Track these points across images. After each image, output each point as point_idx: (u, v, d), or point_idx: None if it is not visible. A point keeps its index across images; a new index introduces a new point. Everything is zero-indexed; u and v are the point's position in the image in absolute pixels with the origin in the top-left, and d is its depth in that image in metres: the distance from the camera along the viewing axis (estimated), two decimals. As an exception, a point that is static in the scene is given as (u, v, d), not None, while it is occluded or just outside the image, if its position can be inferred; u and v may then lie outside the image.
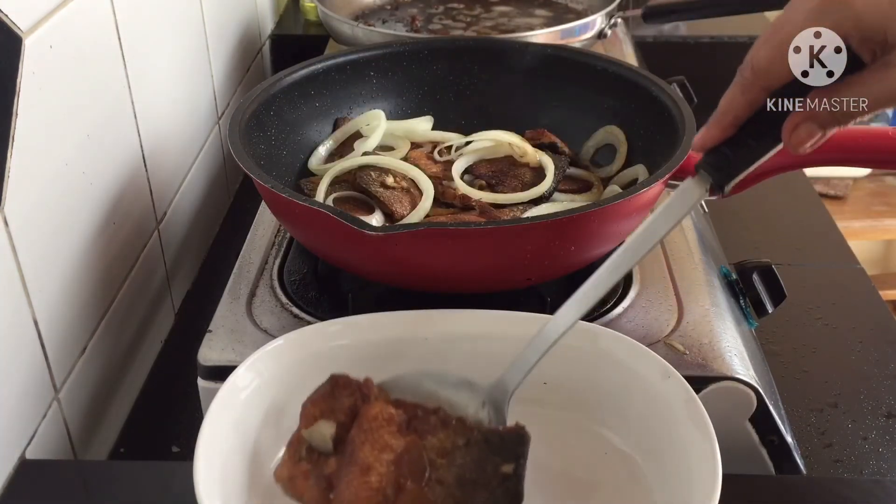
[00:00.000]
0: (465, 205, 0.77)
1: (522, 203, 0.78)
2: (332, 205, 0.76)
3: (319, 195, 0.77)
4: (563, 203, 0.78)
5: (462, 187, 0.78)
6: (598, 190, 0.82)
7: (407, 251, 0.64)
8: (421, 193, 0.77)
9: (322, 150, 0.87)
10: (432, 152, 0.84)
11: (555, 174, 0.79)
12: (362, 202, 0.78)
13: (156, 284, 0.92)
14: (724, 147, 0.54)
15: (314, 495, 0.53)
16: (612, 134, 0.85)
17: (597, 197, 0.80)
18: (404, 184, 0.78)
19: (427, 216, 0.76)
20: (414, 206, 0.76)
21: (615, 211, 0.66)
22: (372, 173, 0.79)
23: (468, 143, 0.84)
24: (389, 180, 0.78)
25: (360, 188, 0.78)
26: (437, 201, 0.78)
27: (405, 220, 0.75)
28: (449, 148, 0.84)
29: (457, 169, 0.80)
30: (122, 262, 0.83)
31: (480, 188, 0.79)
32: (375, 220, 0.76)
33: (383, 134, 0.86)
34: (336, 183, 0.80)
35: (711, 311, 0.72)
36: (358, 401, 0.55)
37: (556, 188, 0.79)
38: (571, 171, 0.83)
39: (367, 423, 0.54)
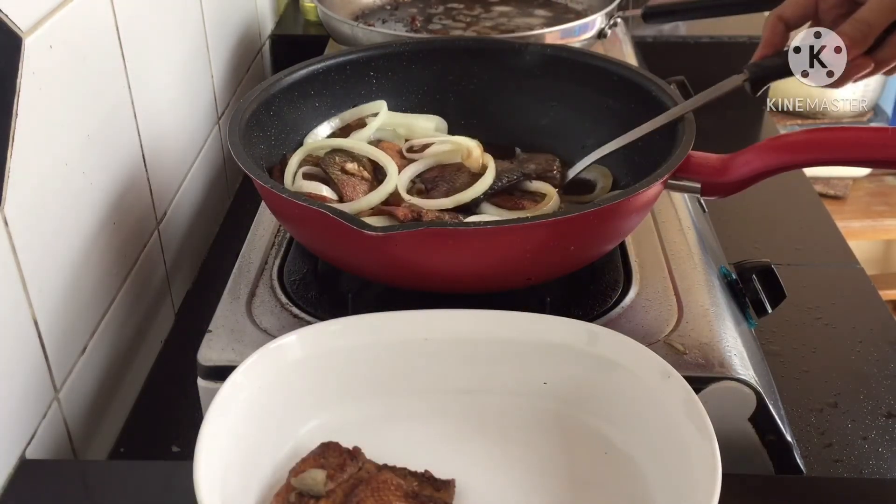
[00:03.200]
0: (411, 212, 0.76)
1: (448, 210, 0.76)
2: (301, 178, 0.78)
3: (291, 167, 0.79)
4: (491, 215, 0.77)
5: (399, 187, 0.78)
6: (552, 203, 0.78)
7: (406, 251, 0.64)
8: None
9: (323, 129, 0.88)
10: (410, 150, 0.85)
11: (492, 183, 0.77)
12: (323, 179, 0.79)
13: (156, 284, 0.92)
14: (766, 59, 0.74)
15: None
16: (601, 173, 0.84)
17: (546, 210, 0.78)
18: (366, 174, 0.79)
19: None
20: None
21: (615, 211, 0.66)
22: (337, 157, 0.80)
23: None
24: (351, 167, 0.79)
25: (321, 166, 0.80)
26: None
27: (352, 203, 0.76)
28: (426, 147, 0.83)
29: (407, 172, 0.80)
30: (122, 262, 0.83)
31: (419, 193, 0.79)
32: (325, 191, 0.77)
33: (389, 128, 0.87)
34: (314, 163, 0.81)
35: (711, 311, 0.72)
36: (347, 460, 0.57)
37: (485, 198, 0.77)
38: (534, 184, 0.81)
39: (375, 483, 0.55)
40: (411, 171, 0.80)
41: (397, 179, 0.78)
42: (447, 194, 0.77)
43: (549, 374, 0.64)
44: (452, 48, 0.95)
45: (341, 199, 0.77)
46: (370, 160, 0.81)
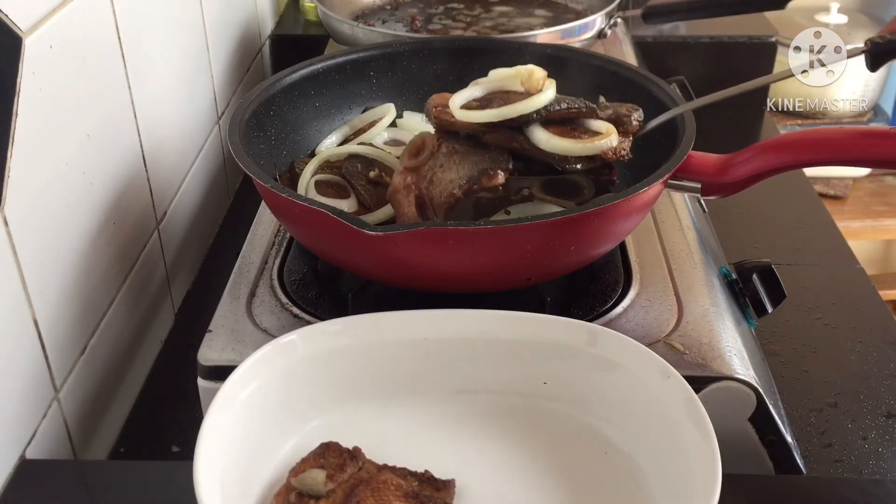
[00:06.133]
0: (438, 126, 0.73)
1: (496, 125, 0.70)
2: (313, 187, 0.78)
3: (305, 176, 0.79)
4: (540, 141, 0.71)
5: (454, 109, 0.72)
6: (610, 138, 0.72)
7: (406, 251, 0.64)
8: None
9: (334, 137, 0.88)
10: None
11: (548, 105, 0.70)
12: (342, 187, 0.79)
13: (156, 284, 0.92)
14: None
15: None
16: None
17: (603, 143, 0.72)
18: (387, 179, 0.79)
19: None
20: None
21: (615, 211, 0.66)
22: (359, 165, 0.80)
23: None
24: (374, 174, 0.80)
25: (345, 177, 0.79)
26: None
27: (378, 211, 0.76)
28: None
29: (463, 94, 0.74)
30: (122, 262, 0.83)
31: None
32: (347, 206, 0.77)
33: (403, 130, 0.87)
34: (328, 167, 0.81)
35: (711, 310, 0.72)
36: (347, 460, 0.57)
37: (547, 113, 0.70)
38: (596, 123, 0.74)
39: (375, 483, 0.55)
40: (468, 93, 0.74)
41: (451, 101, 0.73)
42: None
43: (549, 374, 0.64)
44: (452, 48, 0.95)
45: (368, 209, 0.77)
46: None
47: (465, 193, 0.69)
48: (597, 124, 0.73)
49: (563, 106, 0.71)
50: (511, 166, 0.71)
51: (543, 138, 0.70)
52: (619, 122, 0.73)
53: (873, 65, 0.70)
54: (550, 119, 0.71)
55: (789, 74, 0.73)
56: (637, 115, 0.74)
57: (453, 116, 0.72)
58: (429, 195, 0.70)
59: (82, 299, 0.75)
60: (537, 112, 0.70)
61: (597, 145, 0.70)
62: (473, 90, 0.74)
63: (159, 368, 0.89)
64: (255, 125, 0.79)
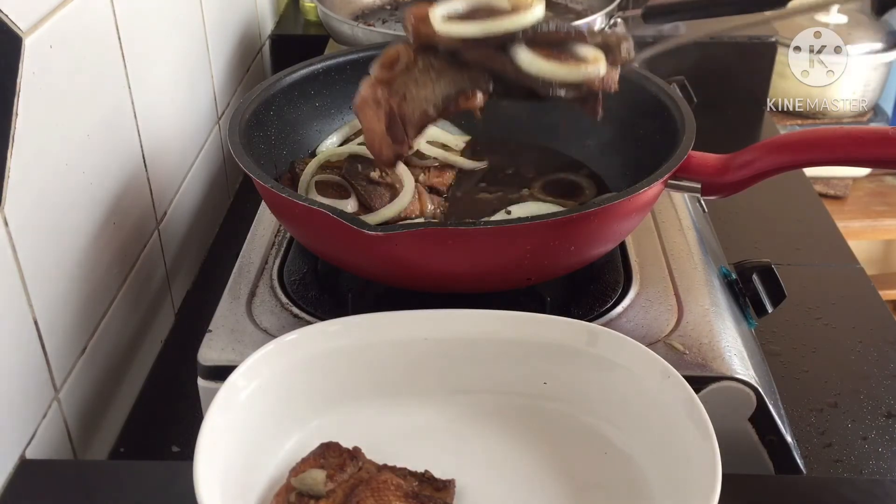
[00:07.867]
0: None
1: (475, 42, 0.65)
2: (313, 187, 0.78)
3: (305, 176, 0.79)
4: (522, 61, 0.67)
5: (435, 21, 0.67)
6: (598, 66, 0.68)
7: (406, 251, 0.64)
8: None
9: (335, 137, 0.88)
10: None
11: (535, 24, 0.66)
12: (343, 187, 0.79)
13: (156, 284, 0.92)
14: None
15: None
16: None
17: (588, 71, 0.68)
18: (389, 179, 0.79)
19: None
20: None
21: (615, 211, 0.66)
22: (359, 165, 0.80)
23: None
24: (375, 174, 0.79)
25: (345, 177, 0.79)
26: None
27: (379, 212, 0.76)
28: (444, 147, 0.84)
29: (444, 7, 0.68)
30: (122, 262, 0.83)
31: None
32: (349, 206, 0.77)
33: None
34: (329, 167, 0.81)
35: (711, 310, 0.72)
36: (347, 460, 0.57)
37: (535, 33, 0.66)
38: (585, 49, 0.69)
39: (375, 483, 0.55)
40: (450, 6, 0.68)
41: (432, 12, 0.68)
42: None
43: (549, 374, 0.64)
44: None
45: (369, 209, 0.77)
46: None
47: (439, 113, 0.66)
48: (585, 50, 0.67)
49: (552, 27, 0.67)
50: (491, 88, 0.67)
51: (527, 59, 0.66)
52: (607, 51, 0.68)
53: (881, 8, 0.69)
54: (536, 40, 0.67)
55: (798, 11, 0.71)
56: (627, 46, 0.69)
57: (433, 29, 0.67)
58: (401, 112, 0.66)
59: (82, 299, 0.75)
60: (524, 30, 0.66)
61: (584, 71, 0.66)
62: (456, 3, 0.68)
63: (159, 368, 0.89)
64: (255, 125, 0.79)
